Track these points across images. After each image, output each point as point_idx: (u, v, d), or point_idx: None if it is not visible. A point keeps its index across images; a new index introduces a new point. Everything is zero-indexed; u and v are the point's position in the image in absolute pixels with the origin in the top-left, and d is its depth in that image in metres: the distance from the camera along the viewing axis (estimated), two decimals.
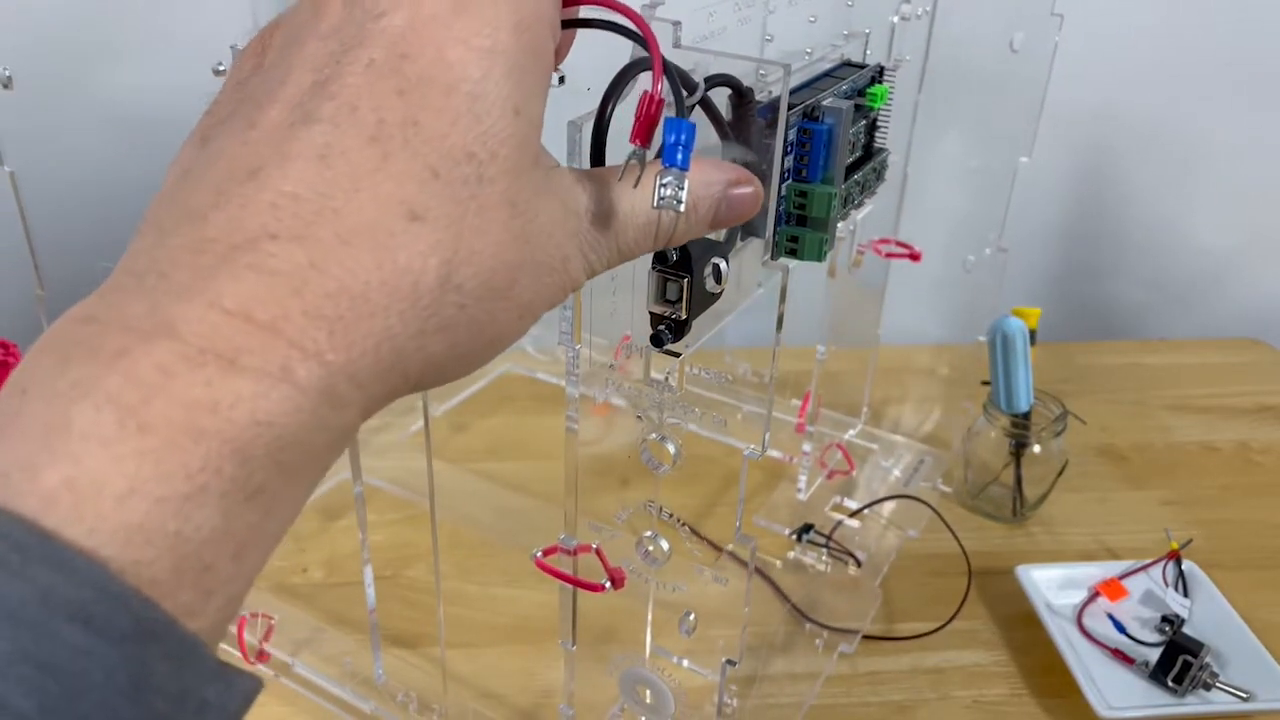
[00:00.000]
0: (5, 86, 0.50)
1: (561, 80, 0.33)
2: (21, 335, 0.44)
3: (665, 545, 0.43)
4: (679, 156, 0.28)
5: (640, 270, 0.38)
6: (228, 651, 0.60)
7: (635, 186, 0.29)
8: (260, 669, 0.59)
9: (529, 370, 0.93)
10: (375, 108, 0.24)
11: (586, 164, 0.33)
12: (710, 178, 0.31)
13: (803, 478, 0.74)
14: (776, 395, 0.83)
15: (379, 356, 0.23)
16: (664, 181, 0.28)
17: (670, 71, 0.30)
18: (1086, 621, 0.63)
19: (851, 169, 0.46)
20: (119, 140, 0.80)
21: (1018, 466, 0.73)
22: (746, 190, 0.32)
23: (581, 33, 0.32)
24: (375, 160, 0.23)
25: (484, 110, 0.25)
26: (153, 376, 0.20)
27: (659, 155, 0.29)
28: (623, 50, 0.32)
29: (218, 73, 0.45)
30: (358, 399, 0.23)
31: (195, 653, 0.20)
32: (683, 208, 0.29)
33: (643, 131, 0.29)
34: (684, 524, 0.45)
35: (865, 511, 0.72)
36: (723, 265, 0.37)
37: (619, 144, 0.32)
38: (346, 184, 0.23)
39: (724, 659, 0.47)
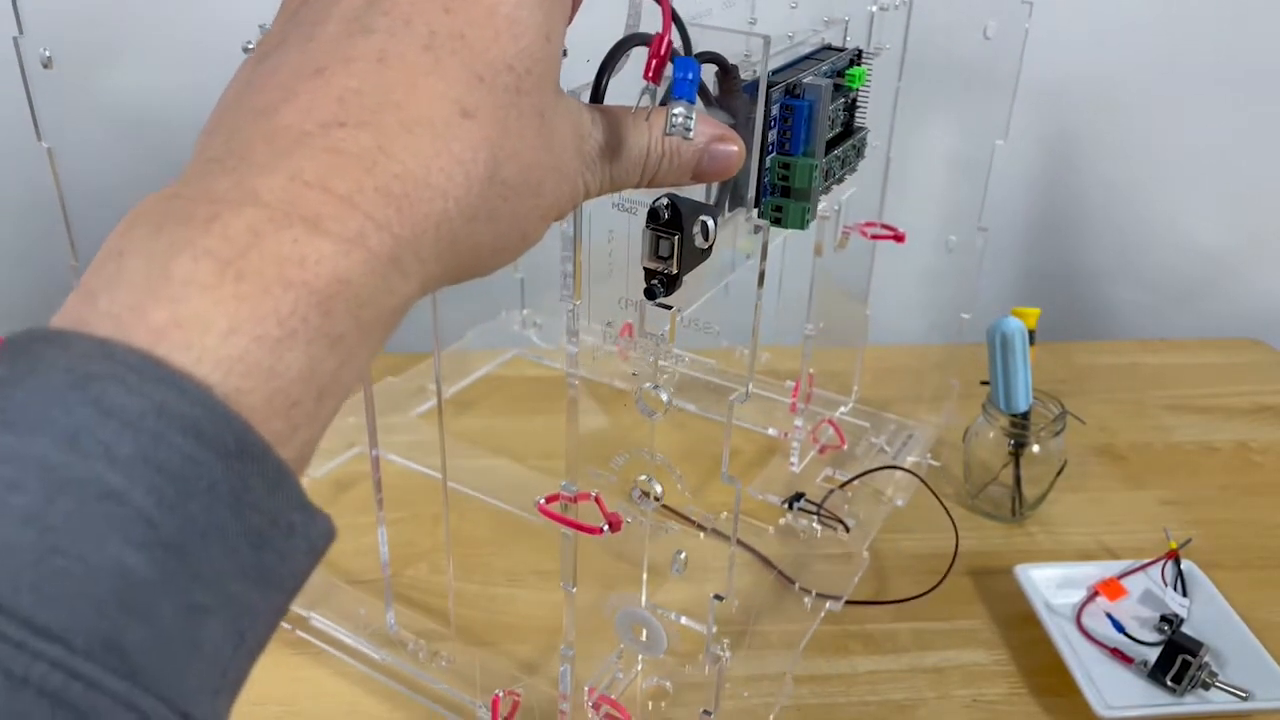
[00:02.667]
0: (45, 66, 0.52)
1: (564, 54, 0.35)
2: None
3: (659, 487, 0.46)
4: (688, 90, 0.32)
5: (635, 261, 0.40)
6: None
7: (648, 120, 0.33)
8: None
9: (536, 357, 0.94)
10: (426, 22, 0.27)
11: None
12: (698, 129, 0.34)
13: (795, 452, 0.76)
14: (772, 379, 0.86)
15: (438, 236, 0.26)
16: (675, 111, 0.32)
17: (678, 18, 0.33)
18: (1085, 621, 0.63)
19: (832, 144, 0.49)
20: (149, 123, 0.81)
21: (1017, 466, 0.73)
22: (730, 148, 0.35)
23: (584, 10, 0.34)
24: (429, 65, 0.26)
25: (520, 32, 0.28)
26: (244, 236, 0.22)
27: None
28: (620, 27, 0.35)
29: (246, 50, 0.46)
30: (418, 272, 0.26)
31: (285, 479, 0.22)
32: (691, 135, 0.32)
33: (654, 69, 0.32)
34: (664, 506, 0.46)
35: (855, 482, 0.73)
36: (710, 223, 0.40)
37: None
38: (405, 82, 0.26)
39: (712, 594, 0.49)
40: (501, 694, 0.55)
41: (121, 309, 0.22)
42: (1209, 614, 0.64)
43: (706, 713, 0.53)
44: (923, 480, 0.75)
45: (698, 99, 0.40)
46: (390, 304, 0.25)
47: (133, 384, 0.20)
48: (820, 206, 0.48)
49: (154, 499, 0.20)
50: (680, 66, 0.32)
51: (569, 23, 0.34)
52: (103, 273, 0.22)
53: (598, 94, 0.35)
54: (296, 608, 0.61)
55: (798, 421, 0.76)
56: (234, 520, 0.21)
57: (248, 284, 0.22)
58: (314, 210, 0.23)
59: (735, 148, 0.35)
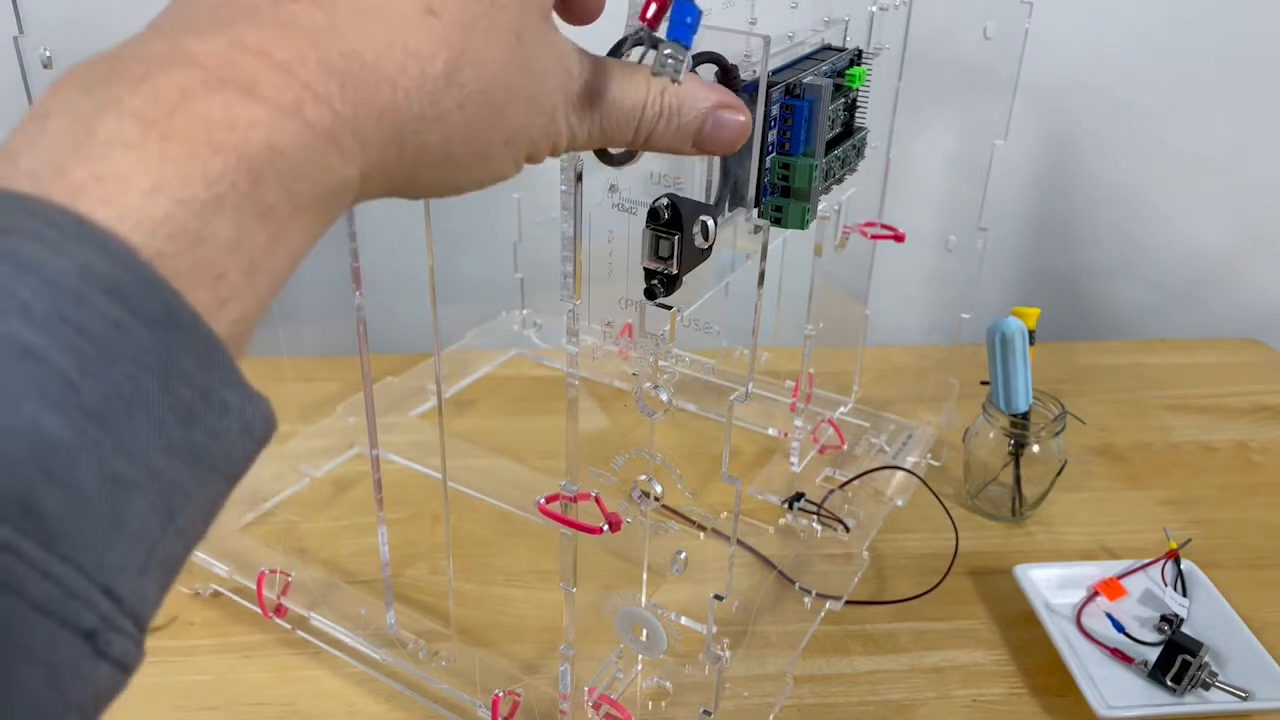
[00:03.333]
0: (45, 67, 0.52)
1: None
2: None
3: (659, 487, 0.46)
4: (685, 34, 0.31)
5: (635, 261, 0.40)
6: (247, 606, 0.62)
7: (640, 61, 0.31)
8: (278, 623, 0.62)
9: (536, 357, 0.95)
10: None
11: None
12: (702, 93, 0.33)
13: (795, 452, 0.76)
14: (772, 379, 0.86)
15: (381, 124, 0.25)
16: (666, 51, 0.30)
17: None
18: (1085, 621, 0.63)
19: (832, 144, 0.49)
20: None
21: (1017, 466, 0.73)
22: (736, 117, 0.34)
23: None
24: None
25: None
26: (174, 96, 0.22)
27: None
28: (620, 27, 0.34)
29: None
30: (359, 156, 0.25)
31: (217, 352, 0.21)
32: (681, 79, 0.31)
33: (652, 13, 0.31)
34: (664, 506, 0.46)
35: (855, 482, 0.74)
36: (710, 223, 0.40)
37: None
38: None
39: (712, 594, 0.49)
40: (501, 694, 0.55)
41: (42, 167, 0.21)
42: (1209, 614, 0.64)
43: (706, 713, 0.53)
44: (923, 480, 0.75)
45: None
46: (327, 183, 0.24)
47: (52, 240, 0.19)
48: (820, 206, 0.48)
49: (74, 360, 0.19)
50: (679, 9, 0.31)
51: (588, 21, 0.34)
52: (27, 133, 0.22)
53: None
54: (297, 607, 0.61)
55: (798, 421, 0.76)
56: (161, 392, 0.20)
57: (174, 144, 0.21)
58: (250, 76, 0.22)
59: (742, 118, 0.34)
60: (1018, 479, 0.73)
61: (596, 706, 0.53)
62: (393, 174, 0.26)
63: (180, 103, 0.22)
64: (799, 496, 0.71)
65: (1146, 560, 0.67)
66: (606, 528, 0.46)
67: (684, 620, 0.50)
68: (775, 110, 0.44)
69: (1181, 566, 0.66)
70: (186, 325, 0.21)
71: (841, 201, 0.68)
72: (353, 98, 0.24)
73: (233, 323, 0.22)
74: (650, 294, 0.40)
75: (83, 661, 0.19)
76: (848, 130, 0.52)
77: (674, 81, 0.31)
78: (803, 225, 0.46)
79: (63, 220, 0.20)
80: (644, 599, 0.50)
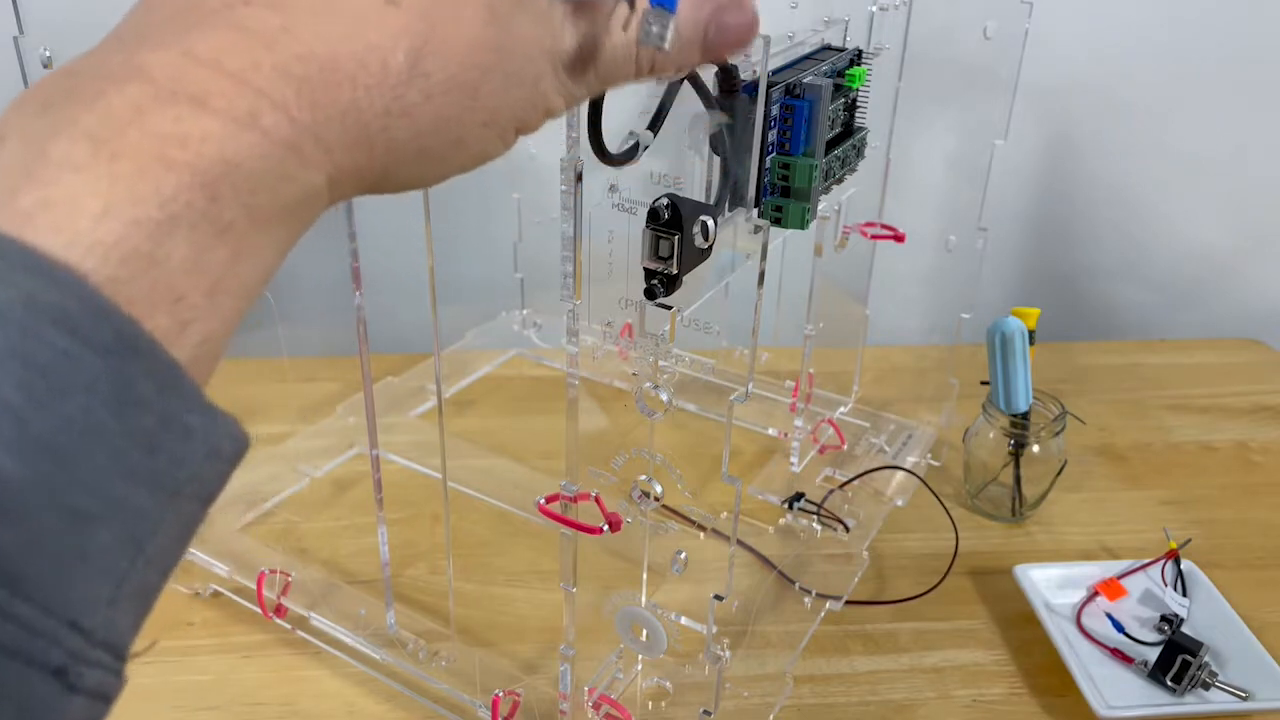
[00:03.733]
0: (45, 66, 0.52)
1: None
2: None
3: (659, 487, 0.46)
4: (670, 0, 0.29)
5: (635, 261, 0.40)
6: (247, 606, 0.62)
7: (625, 30, 0.30)
8: (278, 623, 0.62)
9: (536, 357, 0.95)
10: None
11: (584, 122, 0.35)
12: (695, 4, 0.31)
13: (795, 452, 0.77)
14: (772, 379, 0.86)
15: (345, 125, 0.24)
16: (650, 20, 0.29)
17: None
18: (1085, 621, 0.63)
19: (832, 144, 0.49)
20: None
21: (1017, 466, 0.73)
22: (739, 17, 0.32)
23: None
24: None
25: None
26: (125, 113, 0.21)
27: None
28: None
29: None
30: (323, 163, 0.24)
31: (177, 377, 0.21)
32: (667, 45, 0.29)
33: None
34: (664, 506, 0.46)
35: (855, 482, 0.74)
36: (710, 223, 0.40)
37: (615, 105, 0.34)
38: None
39: (712, 594, 0.49)
40: (501, 694, 0.55)
41: None
42: (1209, 614, 0.64)
43: (706, 713, 0.53)
44: (923, 480, 0.75)
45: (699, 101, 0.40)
46: (289, 193, 0.23)
47: (0, 272, 0.19)
48: (820, 206, 0.48)
49: (23, 395, 0.18)
50: None
51: None
52: None
53: None
54: (297, 607, 0.61)
55: (798, 421, 0.77)
56: (117, 421, 0.19)
57: (124, 163, 0.20)
58: (201, 87, 0.22)
59: (746, 15, 0.32)
60: (1018, 479, 0.73)
61: (596, 706, 0.53)
62: (364, 175, 0.25)
63: (132, 119, 0.21)
64: (799, 496, 0.71)
65: (1146, 560, 0.67)
66: (606, 528, 0.46)
67: (684, 620, 0.50)
68: (775, 110, 0.44)
69: (1181, 566, 0.66)
70: (144, 351, 0.20)
71: (841, 201, 0.68)
72: (309, 102, 0.23)
73: (196, 345, 0.21)
74: (650, 294, 0.40)
75: (53, 699, 0.19)
76: (848, 130, 0.52)
77: (660, 50, 0.30)
78: (803, 225, 0.46)
79: (10, 250, 0.19)
80: (644, 599, 0.50)
